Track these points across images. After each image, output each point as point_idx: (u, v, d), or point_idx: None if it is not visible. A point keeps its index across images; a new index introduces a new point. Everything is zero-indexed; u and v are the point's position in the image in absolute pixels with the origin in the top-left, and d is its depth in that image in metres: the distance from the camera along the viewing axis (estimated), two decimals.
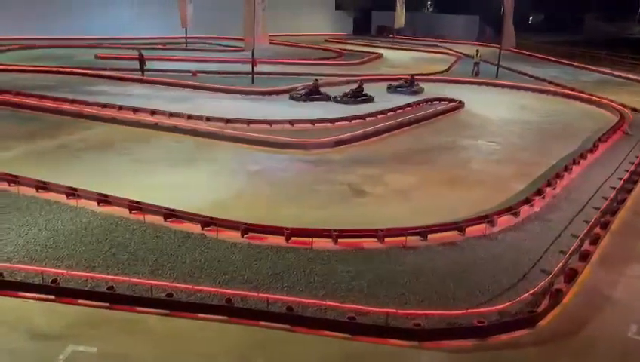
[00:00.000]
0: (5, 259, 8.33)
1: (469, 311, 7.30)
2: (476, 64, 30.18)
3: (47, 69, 26.08)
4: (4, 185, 11.25)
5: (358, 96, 21.56)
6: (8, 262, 8.16)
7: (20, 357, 6.38)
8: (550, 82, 27.85)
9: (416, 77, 24.94)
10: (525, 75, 30.54)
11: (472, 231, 9.98)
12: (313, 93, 21.60)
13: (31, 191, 11.00)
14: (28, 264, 8.16)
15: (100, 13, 40.87)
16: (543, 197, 11.58)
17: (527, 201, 11.25)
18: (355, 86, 22.21)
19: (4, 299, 7.46)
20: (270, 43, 35.75)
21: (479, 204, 11.26)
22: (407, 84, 24.14)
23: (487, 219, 10.26)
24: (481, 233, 9.97)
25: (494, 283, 8.25)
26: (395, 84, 24.60)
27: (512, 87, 26.55)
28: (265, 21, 24.28)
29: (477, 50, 30.96)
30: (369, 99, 21.50)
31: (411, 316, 7.23)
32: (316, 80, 22.33)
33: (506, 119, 20.01)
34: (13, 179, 11.27)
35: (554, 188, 12.21)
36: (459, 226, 9.96)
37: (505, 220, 10.50)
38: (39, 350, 6.49)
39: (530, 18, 64.73)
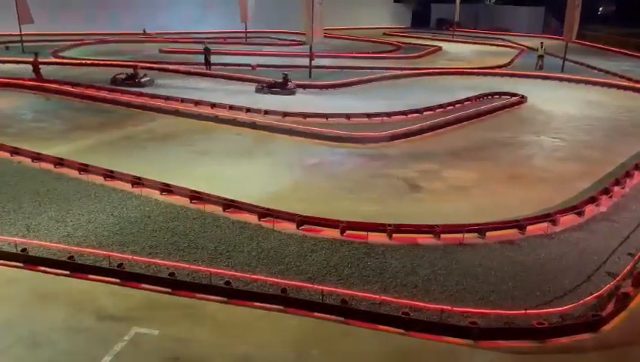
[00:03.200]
0: (76, 243, 8.82)
1: (528, 311, 7.08)
2: (540, 57, 29.11)
3: (115, 63, 27.26)
4: (75, 173, 11.89)
5: (276, 86, 21.52)
6: (79, 246, 8.63)
7: (89, 336, 6.74)
8: (621, 76, 26.45)
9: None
10: (594, 68, 29.17)
11: (532, 229, 9.67)
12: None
13: (99, 180, 11.58)
14: (97, 248, 8.60)
15: (165, 9, 42.29)
16: (611, 197, 11.06)
17: (593, 200, 10.78)
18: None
19: (75, 280, 7.91)
20: (329, 36, 35.94)
21: (541, 203, 10.89)
22: (282, 82, 22.24)
23: (549, 217, 9.91)
24: (543, 232, 9.65)
25: (555, 285, 7.97)
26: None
27: (578, 82, 25.42)
28: (321, 15, 24.35)
29: (541, 43, 29.82)
30: (290, 92, 21.31)
31: (467, 314, 7.10)
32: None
33: (572, 115, 19.19)
34: (84, 168, 11.90)
35: (622, 188, 11.64)
36: (519, 224, 9.68)
37: (568, 219, 10.11)
38: (105, 330, 6.84)
39: (601, 9, 61.58)
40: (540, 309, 7.22)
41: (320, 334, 6.90)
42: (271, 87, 21.60)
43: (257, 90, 21.63)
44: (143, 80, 21.83)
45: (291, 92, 21.44)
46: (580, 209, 10.35)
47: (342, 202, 10.95)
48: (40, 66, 22.02)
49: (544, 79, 26.21)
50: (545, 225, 9.78)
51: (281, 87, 21.56)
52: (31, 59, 22.50)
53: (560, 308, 7.21)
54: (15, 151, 12.99)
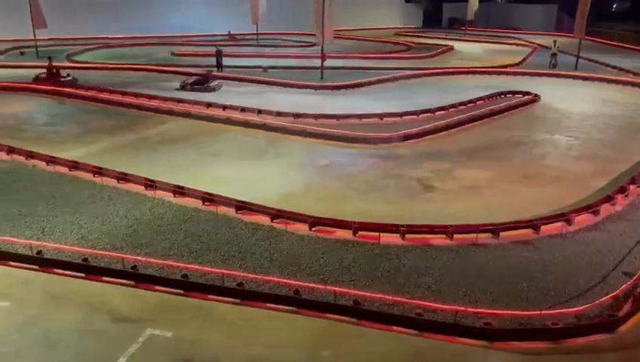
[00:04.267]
0: (91, 245, 8.90)
1: (542, 312, 7.02)
2: (553, 55, 28.79)
3: (128, 66, 27.51)
4: (89, 176, 12.00)
5: (199, 84, 21.78)
6: (93, 249, 8.70)
7: (103, 338, 6.80)
8: (635, 73, 26.10)
9: (213, 73, 23.91)
10: (607, 66, 28.80)
11: (547, 229, 9.58)
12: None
13: (113, 182, 11.67)
14: (110, 250, 8.67)
15: (176, 12, 42.55)
16: (626, 196, 10.91)
17: (609, 199, 10.64)
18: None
19: (89, 282, 7.98)
20: (340, 37, 35.97)
21: (555, 202, 10.78)
22: (203, 79, 22.56)
23: (563, 217, 9.81)
24: (558, 232, 9.54)
25: (570, 285, 7.88)
26: (190, 80, 22.47)
27: (592, 79, 25.11)
28: (331, 16, 24.33)
29: (554, 41, 29.50)
30: (210, 89, 21.55)
31: (481, 315, 7.05)
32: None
33: (586, 113, 18.97)
34: (98, 171, 12.00)
35: (638, 186, 11.48)
36: (533, 224, 9.59)
37: (583, 219, 10.00)
38: (120, 331, 6.89)
39: (614, 5, 60.80)
40: (555, 310, 7.15)
41: (332, 335, 6.89)
42: (192, 85, 21.92)
43: (181, 87, 21.95)
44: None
45: (212, 90, 21.73)
46: (595, 208, 10.23)
47: (354, 203, 10.93)
48: (54, 70, 22.26)
49: (557, 77, 25.93)
50: (559, 224, 9.68)
51: (201, 84, 21.91)
52: (45, 64, 22.76)
53: (575, 309, 7.14)
54: (30, 155, 13.15)
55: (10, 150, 13.49)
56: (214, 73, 23.81)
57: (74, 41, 35.86)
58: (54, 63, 23.03)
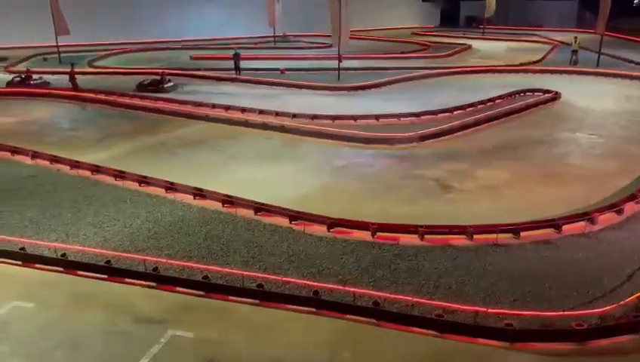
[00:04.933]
0: (113, 247, 9.04)
1: (565, 312, 6.93)
2: (574, 52, 28.40)
3: (147, 70, 27.83)
4: (111, 180, 12.18)
5: (154, 85, 22.16)
6: (116, 251, 8.84)
7: (126, 339, 6.90)
8: None
9: (167, 72, 24.15)
10: (631, 62, 28.29)
11: (569, 229, 9.45)
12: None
13: (134, 185, 11.83)
14: (132, 253, 8.80)
15: (194, 16, 42.97)
16: None
17: (633, 198, 10.46)
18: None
19: (112, 284, 8.11)
20: (358, 38, 35.97)
21: (578, 201, 10.63)
22: (159, 80, 22.79)
23: (586, 216, 9.66)
24: (580, 231, 9.41)
25: (594, 285, 7.76)
26: (146, 81, 22.91)
27: (615, 76, 24.70)
28: (346, 18, 24.32)
29: (575, 38, 29.09)
30: (164, 90, 21.93)
31: (502, 315, 6.98)
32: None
33: (609, 110, 18.67)
34: (120, 174, 12.18)
35: None
36: (555, 224, 9.47)
37: (607, 218, 9.85)
38: (142, 333, 6.98)
39: (636, 1, 59.64)
40: (579, 310, 7.05)
41: (352, 336, 6.89)
42: (148, 86, 22.34)
43: (137, 88, 22.45)
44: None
45: (166, 91, 22.07)
46: (619, 207, 10.06)
47: (372, 204, 10.91)
48: (76, 76, 22.66)
49: (579, 74, 25.57)
50: (582, 224, 9.54)
51: (156, 85, 22.29)
52: (67, 70, 23.17)
53: (599, 309, 7.03)
54: (54, 160, 13.40)
55: (35, 155, 13.76)
56: (166, 73, 24.12)
57: (96, 47, 36.45)
58: (76, 69, 23.43)
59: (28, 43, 35.06)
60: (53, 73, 26.05)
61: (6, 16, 35.93)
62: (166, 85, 22.57)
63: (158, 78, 22.95)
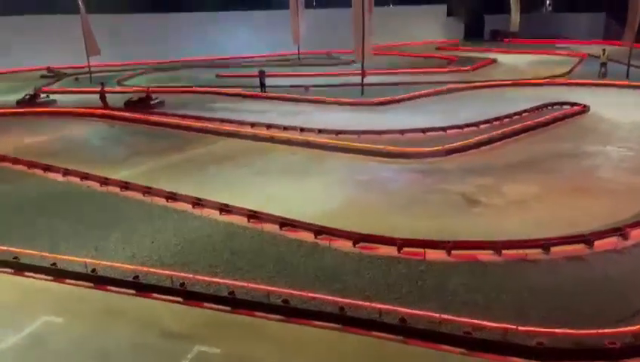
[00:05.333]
0: (141, 262, 9.17)
1: (598, 331, 6.74)
2: (603, 65, 27.91)
3: (175, 89, 28.44)
4: (139, 196, 12.40)
5: (140, 102, 22.81)
6: (144, 266, 8.96)
7: (155, 353, 6.97)
8: None
9: (152, 89, 24.54)
10: None
11: (601, 244, 9.22)
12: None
13: (162, 201, 12.02)
14: (159, 268, 8.90)
15: (220, 35, 43.81)
16: None
17: None
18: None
19: (140, 299, 8.22)
20: (381, 53, 36.11)
21: (609, 216, 10.37)
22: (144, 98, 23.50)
23: (618, 231, 9.42)
24: (613, 247, 9.17)
25: (627, 302, 7.55)
26: (134, 98, 23.72)
27: None
28: (370, 33, 24.44)
29: (603, 50, 28.60)
30: (151, 106, 22.63)
31: (533, 333, 6.82)
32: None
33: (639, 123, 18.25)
34: (148, 191, 12.39)
35: None
36: (586, 239, 9.25)
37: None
38: (170, 348, 7.05)
39: None
40: (612, 328, 6.84)
41: (379, 353, 6.83)
42: (135, 103, 23.05)
43: (125, 105, 23.11)
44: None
45: (153, 107, 22.81)
46: None
47: (398, 218, 10.85)
48: (106, 95, 23.26)
49: (608, 87, 25.12)
50: (614, 239, 9.30)
51: (143, 102, 22.99)
52: (98, 89, 23.79)
53: (633, 327, 6.81)
54: (85, 176, 13.71)
55: (66, 172, 14.11)
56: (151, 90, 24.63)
57: (125, 66, 37.41)
58: (106, 89, 24.04)
59: (61, 64, 36.25)
60: (84, 92, 26.80)
61: (39, 38, 37.23)
62: (152, 102, 23.49)
63: (144, 95, 23.74)
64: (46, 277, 8.89)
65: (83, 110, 22.66)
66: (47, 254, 9.32)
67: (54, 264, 9.04)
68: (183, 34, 42.79)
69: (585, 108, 19.87)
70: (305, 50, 40.92)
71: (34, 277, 8.93)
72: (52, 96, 25.82)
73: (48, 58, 36.55)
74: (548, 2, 62.37)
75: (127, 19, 41.06)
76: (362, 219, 10.72)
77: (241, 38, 44.19)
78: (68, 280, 8.77)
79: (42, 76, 33.79)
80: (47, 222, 11.04)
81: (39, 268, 9.03)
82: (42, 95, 25.45)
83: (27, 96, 24.90)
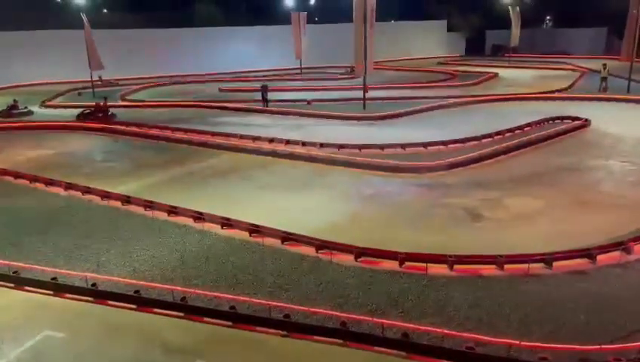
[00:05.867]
0: (142, 277, 9.13)
1: (603, 346, 6.66)
2: (604, 79, 28.03)
3: (177, 103, 28.59)
4: (141, 210, 12.39)
5: (92, 114, 23.68)
6: (144, 280, 8.92)
7: None
8: None
9: (107, 103, 25.07)
10: None
11: (604, 259, 9.16)
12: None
13: (163, 215, 12.00)
14: (161, 282, 8.86)
15: (223, 50, 44.21)
16: None
17: None
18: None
19: (141, 314, 8.16)
20: (383, 68, 36.37)
21: (613, 230, 10.33)
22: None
23: (622, 245, 9.37)
24: (616, 261, 9.11)
25: (632, 317, 7.47)
26: (86, 111, 24.45)
27: None
28: (371, 48, 24.59)
29: (604, 65, 28.74)
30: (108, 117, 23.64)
31: (536, 349, 6.75)
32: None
33: None
34: (149, 205, 12.39)
35: None
36: (589, 253, 9.20)
37: None
38: None
39: None
40: (617, 344, 6.77)
41: None
42: (88, 115, 23.59)
43: (77, 118, 23.70)
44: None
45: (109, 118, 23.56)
46: None
47: (401, 233, 10.81)
48: (109, 109, 23.42)
49: (609, 101, 25.18)
50: (618, 254, 9.25)
51: (94, 114, 23.52)
52: (100, 103, 23.95)
53: (638, 343, 6.73)
54: (87, 191, 13.72)
55: (68, 186, 14.14)
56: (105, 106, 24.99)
57: (129, 81, 37.71)
58: (109, 103, 24.20)
59: (64, 78, 36.56)
60: (86, 107, 26.93)
61: (44, 53, 37.60)
62: (109, 114, 24.16)
63: (94, 107, 24.23)
64: (46, 291, 8.85)
65: (91, 125, 22.82)
66: (48, 268, 9.29)
67: (55, 278, 9.00)
68: (192, 48, 43.18)
69: (587, 123, 19.90)
70: (308, 65, 41.21)
71: (34, 292, 8.89)
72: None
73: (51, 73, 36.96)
74: (548, 18, 62.81)
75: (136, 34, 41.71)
76: (366, 233, 10.67)
77: (244, 52, 44.59)
78: (68, 295, 8.72)
79: (79, 93, 33.48)
80: (49, 237, 11.02)
81: (40, 282, 8.99)
82: (20, 106, 26.16)
83: (87, 111, 25.05)
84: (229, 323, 7.77)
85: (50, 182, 14.57)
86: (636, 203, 12.07)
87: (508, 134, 18.50)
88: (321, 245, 9.85)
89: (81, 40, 30.99)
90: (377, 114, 23.12)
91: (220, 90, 33.64)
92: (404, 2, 55.58)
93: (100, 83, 34.92)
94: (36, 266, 9.36)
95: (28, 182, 14.96)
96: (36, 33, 37.89)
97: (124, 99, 30.57)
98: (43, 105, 28.72)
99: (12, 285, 9.13)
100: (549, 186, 13.43)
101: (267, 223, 10.79)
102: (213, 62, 42.97)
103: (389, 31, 46.53)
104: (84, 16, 30.92)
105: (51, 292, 8.82)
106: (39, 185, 14.66)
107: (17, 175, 15.40)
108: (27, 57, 37.35)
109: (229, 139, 19.23)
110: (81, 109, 24.82)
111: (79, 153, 18.90)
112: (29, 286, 9.03)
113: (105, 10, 51.61)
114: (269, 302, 7.94)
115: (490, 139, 17.86)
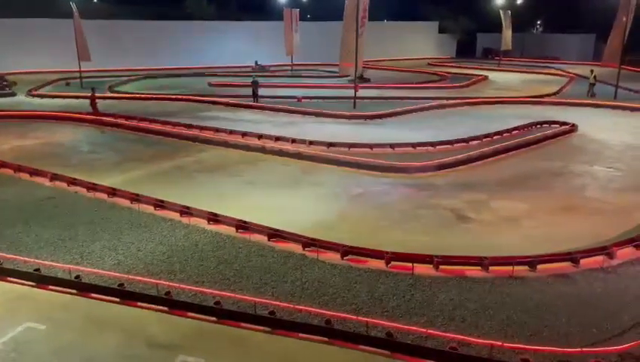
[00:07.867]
0: (127, 270, 9.06)
1: (584, 349, 6.74)
2: (591, 85, 28.35)
3: (167, 96, 28.38)
4: (127, 203, 12.29)
5: None
6: (129, 274, 8.85)
7: None
8: None
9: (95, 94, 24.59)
10: None
11: (587, 263, 9.27)
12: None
13: (150, 209, 11.92)
14: (145, 276, 8.80)
15: (213, 45, 43.99)
16: None
17: None
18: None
19: (124, 308, 8.09)
20: (374, 68, 36.46)
21: (596, 235, 10.46)
22: None
23: (605, 250, 9.48)
24: (599, 265, 9.22)
25: (614, 321, 7.56)
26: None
27: (633, 109, 24.55)
28: (359, 47, 24.60)
29: (591, 71, 29.08)
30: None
31: (518, 350, 6.81)
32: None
33: (628, 144, 18.49)
34: (136, 198, 12.29)
35: None
36: (572, 257, 9.30)
37: (627, 252, 9.65)
38: (155, 358, 6.93)
39: None
40: (597, 347, 6.85)
41: None
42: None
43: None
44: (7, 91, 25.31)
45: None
46: (638, 241, 9.86)
47: (388, 232, 10.84)
48: (97, 101, 23.16)
49: (596, 107, 25.47)
50: (601, 258, 9.36)
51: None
52: (88, 94, 23.70)
53: (619, 347, 6.83)
54: (72, 182, 13.58)
55: (54, 177, 13.98)
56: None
57: (117, 72, 37.37)
58: (97, 94, 23.96)
59: (52, 68, 36.15)
60: (75, 97, 26.67)
61: (32, 42, 37.13)
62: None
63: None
64: (29, 282, 8.75)
65: (68, 114, 22.57)
66: (31, 259, 9.19)
67: (38, 270, 8.90)
68: (182, 41, 42.94)
69: (574, 128, 20.11)
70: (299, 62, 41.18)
71: (16, 283, 8.78)
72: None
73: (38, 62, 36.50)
74: (538, 23, 63.34)
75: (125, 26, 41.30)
76: (353, 232, 10.69)
77: (235, 47, 44.41)
78: (51, 287, 8.62)
79: (67, 84, 32.91)
80: (33, 228, 10.90)
81: (22, 273, 8.88)
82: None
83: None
84: (214, 319, 7.74)
85: (35, 172, 14.40)
86: (620, 208, 12.22)
87: (496, 137, 18.63)
88: (308, 243, 9.85)
89: (71, 29, 30.69)
90: (368, 113, 23.15)
91: (210, 84, 33.45)
92: (397, 3, 55.76)
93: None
94: (19, 257, 9.25)
95: (12, 171, 14.77)
96: (26, 21, 37.41)
97: (111, 91, 30.33)
98: (30, 93, 28.37)
99: None
100: (536, 190, 13.55)
101: (255, 219, 10.75)
102: (202, 56, 42.77)
103: (380, 30, 46.63)
104: (73, 6, 30.57)
105: (34, 284, 8.71)
106: (23, 175, 14.48)
107: (1, 164, 15.20)
108: (15, 45, 36.88)
109: (218, 135, 19.13)
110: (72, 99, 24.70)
111: (67, 144, 18.68)
112: (11, 276, 8.91)
113: (95, 0, 51.12)
114: (254, 298, 7.92)
115: (478, 142, 17.98)
